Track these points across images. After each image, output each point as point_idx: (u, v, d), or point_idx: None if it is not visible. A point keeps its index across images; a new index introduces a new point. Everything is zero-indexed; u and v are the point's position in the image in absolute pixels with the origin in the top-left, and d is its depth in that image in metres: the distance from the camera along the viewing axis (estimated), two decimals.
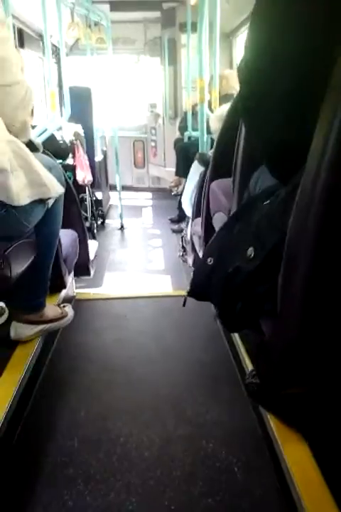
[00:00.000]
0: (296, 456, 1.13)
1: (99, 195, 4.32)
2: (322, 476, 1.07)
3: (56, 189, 1.35)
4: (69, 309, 1.80)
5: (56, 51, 4.08)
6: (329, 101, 0.71)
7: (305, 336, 0.84)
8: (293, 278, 0.82)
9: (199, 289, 1.08)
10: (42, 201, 1.32)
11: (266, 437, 1.30)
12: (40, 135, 2.47)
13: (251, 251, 0.89)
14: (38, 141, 1.71)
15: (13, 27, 3.21)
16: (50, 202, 1.37)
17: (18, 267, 1.27)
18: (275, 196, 0.95)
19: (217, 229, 1.93)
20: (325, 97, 0.71)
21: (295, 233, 0.79)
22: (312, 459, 1.12)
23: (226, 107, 2.37)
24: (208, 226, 2.08)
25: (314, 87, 0.72)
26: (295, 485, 1.06)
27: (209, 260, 1.02)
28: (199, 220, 2.33)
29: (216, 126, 2.50)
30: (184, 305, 1.11)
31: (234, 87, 3.68)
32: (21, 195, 1.19)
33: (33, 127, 2.30)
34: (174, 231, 4.23)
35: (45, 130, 2.60)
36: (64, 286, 1.97)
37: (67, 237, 1.99)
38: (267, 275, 0.88)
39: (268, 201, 0.95)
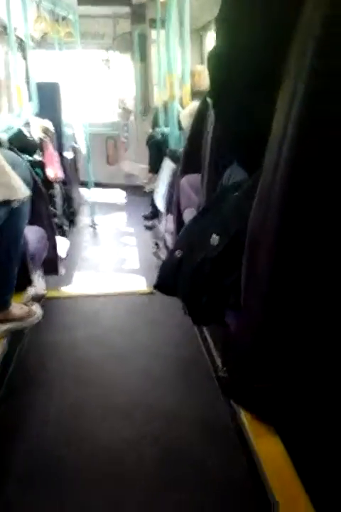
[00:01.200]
0: (268, 450, 1.13)
1: (69, 192, 4.24)
2: (294, 469, 1.08)
3: (22, 191, 1.32)
4: (36, 308, 1.76)
5: (22, 45, 3.98)
6: (285, 89, 0.71)
7: (268, 328, 0.85)
8: (254, 270, 0.83)
9: (165, 283, 1.07)
10: (6, 203, 1.28)
11: (239, 431, 1.30)
12: (6, 131, 2.40)
13: (215, 239, 0.89)
14: (3, 137, 1.66)
15: None
16: (16, 204, 1.33)
17: None
18: (242, 187, 0.95)
19: None
20: (281, 85, 0.72)
21: (255, 225, 0.80)
22: (285, 452, 1.13)
23: (196, 103, 2.37)
24: (179, 221, 2.08)
25: (273, 77, 0.72)
26: (267, 478, 1.07)
27: (177, 253, 1.02)
28: (171, 216, 2.33)
29: (187, 121, 2.50)
30: (153, 291, 1.10)
31: (205, 83, 3.70)
32: None
33: None
34: (147, 228, 4.20)
35: (11, 126, 2.54)
36: (30, 284, 1.92)
37: (34, 233, 1.95)
38: (231, 265, 0.89)
39: (236, 193, 0.95)
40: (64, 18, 4.37)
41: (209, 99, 1.82)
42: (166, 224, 2.54)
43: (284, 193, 0.74)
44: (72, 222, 4.26)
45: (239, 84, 0.81)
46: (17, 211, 1.45)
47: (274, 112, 0.74)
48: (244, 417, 1.23)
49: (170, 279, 1.03)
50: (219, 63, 0.85)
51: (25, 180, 1.44)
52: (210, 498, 1.21)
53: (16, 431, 1.42)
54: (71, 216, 4.23)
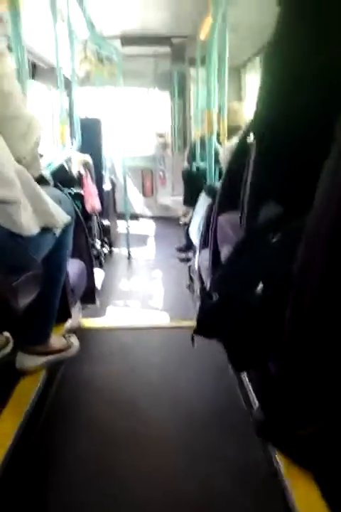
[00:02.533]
0: (305, 497, 1.10)
1: (106, 223, 4.35)
2: None
3: (63, 219, 1.36)
4: (74, 340, 1.79)
5: (67, 83, 4.20)
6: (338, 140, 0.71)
7: (313, 375, 0.82)
8: (299, 317, 0.81)
9: (205, 327, 1.06)
10: (50, 232, 1.32)
11: (275, 475, 1.26)
12: (49, 165, 2.51)
13: (260, 287, 0.88)
14: (48, 175, 1.74)
15: (28, 61, 3.31)
16: (57, 231, 1.37)
17: (25, 299, 1.27)
18: (283, 231, 0.94)
19: (224, 262, 1.93)
20: (335, 135, 0.72)
21: (301, 271, 0.78)
22: (322, 500, 1.08)
23: (236, 139, 2.40)
24: (215, 258, 2.07)
25: (327, 122, 0.72)
26: None
27: (214, 297, 1.01)
28: (206, 251, 2.33)
29: (226, 157, 2.52)
30: (193, 345, 1.09)
31: (242, 119, 3.75)
32: (31, 225, 1.20)
33: (41, 157, 2.34)
34: (181, 260, 4.22)
35: (54, 160, 2.65)
36: (70, 316, 1.96)
37: (74, 267, 2.00)
38: (275, 312, 0.87)
39: (276, 238, 0.94)
40: (108, 58, 4.59)
41: (251, 137, 1.85)
42: (200, 259, 2.54)
43: (331, 238, 0.73)
44: (108, 253, 4.35)
45: (289, 127, 0.81)
46: (61, 244, 1.49)
47: (321, 155, 0.74)
48: (281, 460, 1.20)
49: (209, 323, 1.03)
50: (268, 102, 0.86)
51: (69, 214, 1.49)
52: None
53: (51, 463, 1.42)
54: (108, 247, 4.32)
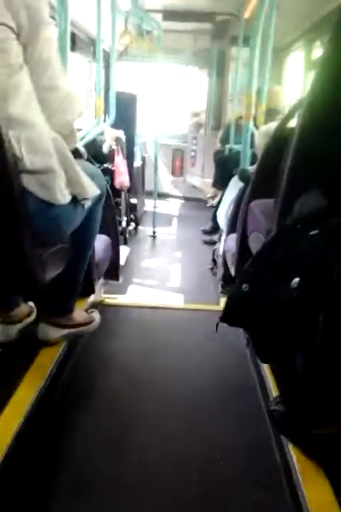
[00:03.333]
0: (316, 493, 1.09)
1: (134, 200, 4.34)
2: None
3: (93, 191, 1.34)
4: (96, 315, 1.79)
5: (106, 56, 4.15)
6: None
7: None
8: (335, 318, 0.77)
9: (232, 315, 1.03)
10: (80, 204, 1.30)
11: (286, 467, 1.25)
12: (82, 138, 2.49)
13: (296, 281, 0.84)
14: (83, 149, 1.72)
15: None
16: (87, 204, 1.35)
17: (52, 272, 1.27)
18: (323, 226, 0.90)
19: (252, 249, 1.88)
20: None
21: None
22: (334, 498, 1.06)
23: (274, 124, 2.32)
24: (243, 244, 2.03)
25: None
26: None
27: (244, 286, 0.98)
28: (233, 236, 2.29)
29: (261, 141, 2.45)
30: (216, 330, 1.07)
31: (280, 103, 3.63)
32: (64, 193, 1.19)
33: (78, 130, 2.32)
34: (205, 242, 4.19)
35: (88, 134, 2.63)
36: (93, 291, 1.96)
37: (100, 242, 1.99)
38: (308, 308, 0.83)
39: (316, 231, 0.90)
40: (148, 33, 4.50)
41: (294, 121, 1.77)
42: (227, 243, 2.49)
43: None
44: (133, 230, 4.35)
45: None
46: (90, 218, 1.48)
47: None
48: (294, 453, 1.19)
49: (237, 313, 1.00)
50: (323, 88, 0.81)
51: (101, 189, 1.47)
52: None
53: (67, 435, 1.44)
54: (133, 224, 4.32)
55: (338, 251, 0.74)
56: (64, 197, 1.18)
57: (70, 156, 1.24)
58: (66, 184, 1.20)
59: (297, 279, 0.83)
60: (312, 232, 0.91)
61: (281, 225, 1.40)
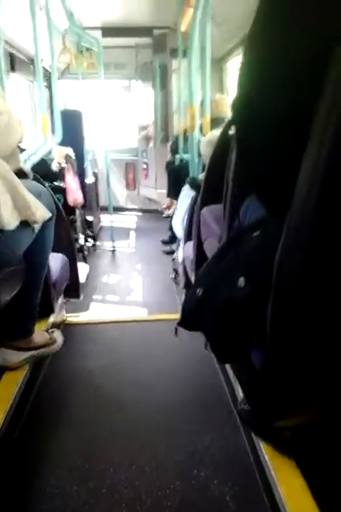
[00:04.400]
0: (289, 485, 1.11)
1: (89, 216, 4.31)
2: (316, 505, 1.05)
3: (43, 214, 1.35)
4: (58, 335, 1.78)
5: (47, 75, 4.13)
6: (316, 131, 0.72)
7: (295, 370, 0.83)
8: (280, 312, 0.82)
9: (189, 320, 1.07)
10: (29, 226, 1.30)
11: (259, 465, 1.28)
12: (29, 159, 2.47)
13: (241, 281, 0.88)
14: (28, 168, 1.71)
15: (4, 51, 3.24)
16: (37, 227, 1.36)
17: (6, 295, 1.26)
18: (264, 227, 0.95)
19: (208, 254, 1.94)
20: (312, 127, 0.72)
21: (281, 268, 0.79)
22: (306, 487, 1.10)
23: (217, 132, 2.40)
24: (199, 251, 2.08)
25: (304, 121, 0.73)
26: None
27: (198, 291, 1.01)
28: (190, 243, 2.34)
29: (206, 150, 2.52)
30: (176, 334, 1.10)
31: (225, 111, 3.75)
32: (10, 219, 1.18)
33: (22, 150, 2.29)
34: (166, 253, 4.22)
35: (35, 153, 2.60)
36: (52, 311, 1.94)
37: (56, 261, 1.98)
38: (257, 306, 0.88)
39: (257, 232, 0.95)
40: (88, 49, 4.52)
41: (232, 131, 1.85)
42: (185, 251, 2.54)
43: (309, 239, 0.74)
44: (92, 246, 4.32)
45: (271, 126, 0.81)
46: (41, 238, 1.48)
47: (302, 151, 0.74)
48: (265, 450, 1.22)
49: (192, 316, 1.04)
50: (246, 100, 0.85)
51: (49, 208, 1.47)
52: None
53: (36, 460, 1.42)
54: (91, 241, 4.29)
55: (276, 245, 0.79)
56: (9, 223, 1.18)
57: (16, 180, 1.24)
58: (13, 209, 1.20)
59: (242, 279, 0.87)
60: (255, 233, 0.96)
61: (230, 228, 1.46)
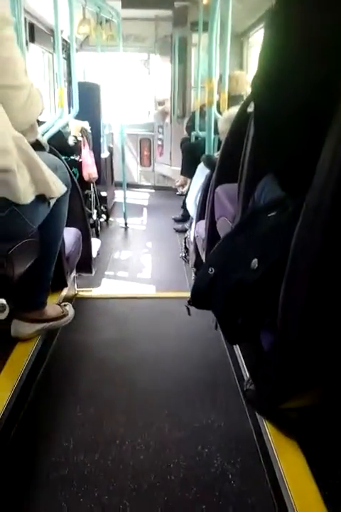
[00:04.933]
0: (291, 465, 1.13)
1: (103, 192, 4.31)
2: (316, 486, 1.07)
3: (59, 189, 1.35)
4: (69, 308, 1.80)
5: (66, 47, 4.07)
6: (339, 116, 0.70)
7: (304, 352, 0.84)
8: (293, 294, 0.81)
9: (199, 298, 1.07)
10: (45, 200, 1.31)
11: (262, 444, 1.30)
12: (46, 132, 2.46)
13: (255, 262, 0.88)
14: (44, 140, 1.70)
15: (25, 21, 3.19)
16: (52, 201, 1.36)
17: (21, 267, 1.27)
18: (281, 208, 0.94)
19: (220, 234, 1.93)
20: (336, 111, 0.70)
21: (298, 248, 0.78)
22: (308, 468, 1.11)
23: (235, 109, 2.36)
24: (212, 230, 2.07)
25: (326, 101, 0.71)
26: (289, 494, 1.06)
27: (210, 270, 1.01)
28: (203, 222, 2.33)
29: (224, 127, 2.49)
30: (189, 313, 1.11)
31: (244, 88, 3.67)
32: (27, 192, 1.19)
33: (40, 123, 2.29)
34: (177, 231, 4.22)
35: (52, 126, 2.60)
36: (65, 285, 1.97)
37: (70, 235, 1.99)
38: (269, 288, 0.88)
39: (273, 213, 0.94)
40: (107, 21, 4.44)
41: (250, 108, 1.81)
42: (197, 229, 2.53)
43: (329, 219, 0.73)
44: (105, 221, 4.33)
45: (293, 108, 0.79)
46: (56, 212, 1.48)
47: (324, 137, 0.73)
48: (269, 430, 1.23)
49: (203, 295, 1.04)
50: (272, 88, 0.83)
51: (64, 182, 1.47)
52: (232, 510, 1.20)
53: (44, 430, 1.45)
54: (104, 216, 4.30)
55: (291, 228, 0.78)
56: (25, 197, 1.18)
57: (34, 155, 1.23)
58: (30, 183, 1.20)
59: (255, 260, 0.87)
60: (271, 214, 0.95)
61: (245, 208, 1.45)
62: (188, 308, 1.14)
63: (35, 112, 1.29)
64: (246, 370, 1.54)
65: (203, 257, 2.30)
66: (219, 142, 2.80)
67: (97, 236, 3.76)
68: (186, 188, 4.45)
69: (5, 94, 1.18)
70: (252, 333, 0.97)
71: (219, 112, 3.00)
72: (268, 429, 1.23)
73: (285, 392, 1.03)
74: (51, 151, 1.71)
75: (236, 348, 1.70)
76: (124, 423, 1.49)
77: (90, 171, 3.50)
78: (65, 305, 1.80)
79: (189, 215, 3.26)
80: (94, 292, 2.62)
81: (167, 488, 1.25)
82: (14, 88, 1.19)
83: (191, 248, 2.87)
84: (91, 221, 3.61)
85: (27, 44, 3.38)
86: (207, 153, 2.95)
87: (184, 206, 4.16)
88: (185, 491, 1.24)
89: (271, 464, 1.20)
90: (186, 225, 3.93)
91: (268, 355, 0.99)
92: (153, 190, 6.27)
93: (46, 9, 3.21)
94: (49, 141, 2.03)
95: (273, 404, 1.21)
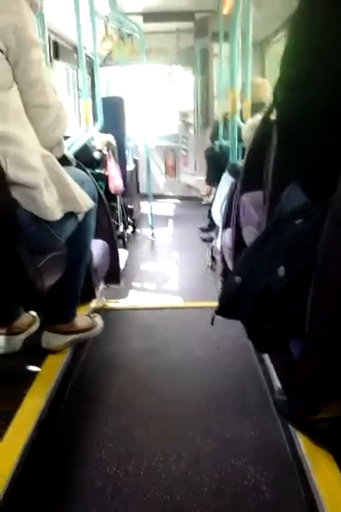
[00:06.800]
0: (326, 477, 1.10)
1: (130, 204, 4.36)
2: None
3: (87, 203, 1.38)
4: (99, 320, 1.82)
5: (89, 62, 4.17)
6: None
7: (333, 361, 0.82)
8: (321, 301, 0.80)
9: (227, 308, 1.07)
10: (73, 215, 1.34)
11: (295, 456, 1.27)
12: (72, 145, 2.52)
13: (281, 270, 0.87)
14: (71, 155, 1.75)
15: (48, 39, 3.30)
16: (80, 216, 1.39)
17: (50, 280, 1.30)
18: (308, 215, 0.93)
19: (246, 241, 1.91)
20: None
21: (325, 255, 0.77)
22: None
23: (258, 116, 2.35)
24: (238, 238, 2.06)
25: None
26: (324, 507, 1.03)
27: (237, 279, 1.01)
28: (229, 230, 2.32)
29: (248, 135, 2.48)
30: (212, 323, 1.10)
31: (266, 95, 3.65)
32: (55, 210, 1.21)
33: (66, 138, 2.35)
34: (204, 240, 4.20)
35: (78, 140, 2.66)
36: (94, 297, 1.99)
37: (98, 247, 2.02)
38: (297, 295, 0.87)
39: (300, 220, 0.93)
40: (129, 36, 4.53)
41: (273, 116, 1.80)
42: (223, 238, 2.52)
43: None
44: (131, 233, 4.38)
45: (316, 115, 0.78)
46: (84, 225, 1.51)
47: None
48: (302, 442, 1.20)
49: (230, 304, 1.03)
50: (288, 85, 0.83)
51: (91, 195, 1.50)
52: None
53: (76, 442, 1.47)
54: (131, 227, 4.35)
55: (318, 234, 0.77)
56: (53, 214, 1.20)
57: (64, 173, 1.27)
58: (58, 201, 1.23)
59: (282, 268, 0.86)
60: (297, 221, 0.94)
61: (270, 216, 1.43)
62: (213, 318, 1.13)
63: (63, 130, 1.33)
64: (276, 379, 1.51)
65: (229, 266, 2.29)
66: (244, 150, 2.79)
67: (125, 247, 3.80)
68: (211, 196, 4.44)
69: (34, 114, 1.22)
70: (282, 341, 0.96)
71: (242, 120, 3.00)
72: (301, 440, 1.20)
73: (316, 401, 1.01)
74: (78, 166, 1.75)
75: (266, 358, 1.68)
76: (155, 434, 1.49)
77: (116, 183, 3.54)
78: (94, 316, 1.82)
79: (215, 224, 3.26)
80: (122, 303, 2.64)
81: (200, 500, 1.24)
82: (43, 107, 1.23)
83: (218, 257, 2.86)
84: (118, 233, 3.66)
85: (51, 61, 3.48)
86: (231, 161, 2.94)
87: (209, 215, 4.15)
88: (218, 503, 1.23)
89: (304, 475, 1.17)
90: (212, 234, 3.91)
91: (298, 365, 0.97)
92: (178, 201, 6.30)
93: (68, 27, 3.31)
94: (75, 155, 2.07)
95: (304, 414, 1.18)
